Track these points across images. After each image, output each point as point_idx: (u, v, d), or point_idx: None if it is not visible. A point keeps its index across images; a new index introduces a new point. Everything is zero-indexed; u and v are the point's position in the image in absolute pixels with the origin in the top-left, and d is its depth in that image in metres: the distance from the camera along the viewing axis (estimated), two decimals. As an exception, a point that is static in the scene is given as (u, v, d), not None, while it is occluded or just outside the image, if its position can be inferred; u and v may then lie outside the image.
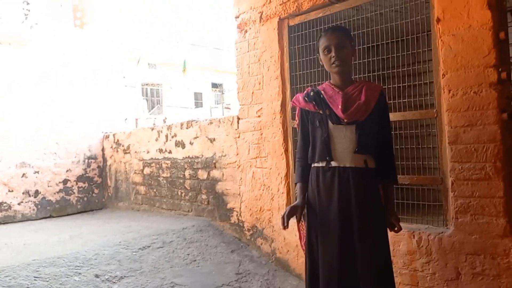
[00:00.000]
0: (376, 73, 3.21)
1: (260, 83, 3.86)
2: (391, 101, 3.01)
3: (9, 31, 5.56)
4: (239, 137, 4.08)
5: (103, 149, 6.56)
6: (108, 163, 6.44)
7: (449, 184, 2.63)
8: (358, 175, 2.15)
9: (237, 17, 4.03)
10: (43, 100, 5.95)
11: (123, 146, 6.11)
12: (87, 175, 6.46)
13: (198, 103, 23.96)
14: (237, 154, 4.11)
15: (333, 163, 2.20)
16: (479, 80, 2.49)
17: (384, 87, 3.03)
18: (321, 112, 2.27)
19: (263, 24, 3.80)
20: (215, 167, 4.42)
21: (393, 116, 2.93)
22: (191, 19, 23.52)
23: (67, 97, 6.18)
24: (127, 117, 10.79)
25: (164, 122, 15.06)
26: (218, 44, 24.39)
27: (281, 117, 3.68)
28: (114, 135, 6.32)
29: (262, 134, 3.84)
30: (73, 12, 14.15)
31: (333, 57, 2.19)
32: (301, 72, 3.60)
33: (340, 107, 2.18)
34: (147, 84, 21.61)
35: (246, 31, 3.97)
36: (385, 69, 3.22)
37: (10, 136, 5.68)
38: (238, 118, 4.08)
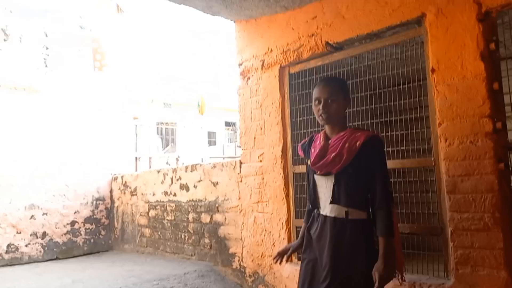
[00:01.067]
0: (377, 120, 3.22)
1: (261, 129, 3.90)
2: (391, 148, 2.99)
3: (24, 77, 5.79)
4: (241, 181, 4.09)
5: (111, 191, 6.62)
6: (116, 205, 6.48)
7: (448, 234, 2.58)
8: (337, 225, 2.16)
9: (240, 64, 4.14)
10: (54, 143, 6.09)
11: (130, 188, 6.16)
12: (94, 216, 6.50)
13: (212, 142, 24.23)
14: (239, 199, 4.11)
15: (321, 211, 2.27)
16: (474, 129, 2.49)
17: (383, 134, 3.06)
18: (307, 161, 2.37)
19: (265, 72, 3.89)
20: (218, 211, 4.42)
21: (392, 164, 2.93)
22: (205, 61, 24.11)
23: (77, 139, 6.32)
24: (141, 155, 10.93)
25: (177, 160, 15.18)
26: (232, 84, 24.84)
27: (282, 162, 3.69)
28: (122, 177, 6.39)
29: (263, 178, 3.85)
30: (93, 54, 14.63)
31: (321, 109, 2.24)
32: (301, 118, 3.64)
33: (312, 158, 2.27)
34: (162, 123, 22.01)
35: (248, 78, 4.07)
36: (387, 115, 3.24)
37: (19, 179, 5.79)
38: (241, 163, 4.11)
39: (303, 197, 3.58)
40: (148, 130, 13.88)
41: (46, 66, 8.73)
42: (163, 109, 22.01)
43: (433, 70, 2.70)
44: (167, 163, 15.04)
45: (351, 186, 2.16)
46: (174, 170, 5.23)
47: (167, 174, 5.38)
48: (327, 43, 3.37)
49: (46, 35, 9.10)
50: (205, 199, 4.64)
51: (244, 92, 4.12)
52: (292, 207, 3.63)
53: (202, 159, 13.25)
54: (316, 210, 2.30)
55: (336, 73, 3.42)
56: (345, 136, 2.22)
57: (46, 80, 6.15)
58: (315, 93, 2.29)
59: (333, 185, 2.19)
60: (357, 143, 2.16)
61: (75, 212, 6.28)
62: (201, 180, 4.73)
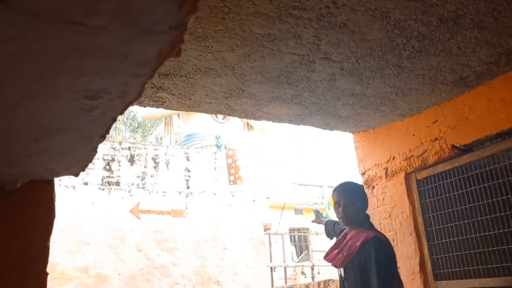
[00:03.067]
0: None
1: (394, 240, 3.67)
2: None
3: (169, 202, 6.50)
4: (378, 299, 3.78)
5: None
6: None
7: None
8: None
9: (363, 173, 4.11)
10: (195, 261, 6.45)
11: (264, 305, 6.11)
12: None
13: (346, 246, 23.27)
14: (378, 319, 3.76)
15: None
16: None
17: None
18: None
19: (389, 180, 3.78)
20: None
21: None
22: (330, 163, 24.34)
23: (216, 257, 6.62)
24: (276, 265, 10.93)
25: (312, 270, 14.79)
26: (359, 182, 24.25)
27: (421, 277, 3.36)
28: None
29: (403, 296, 3.51)
30: (228, 169, 16.05)
31: (340, 212, 2.53)
32: (437, 227, 3.36)
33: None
34: (293, 230, 22.07)
35: (373, 187, 3.98)
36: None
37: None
38: (375, 278, 3.84)
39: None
40: (280, 238, 13.99)
41: (188, 187, 9.75)
42: (294, 216, 22.25)
43: None
44: (302, 272, 14.71)
45: (353, 282, 2.34)
46: (307, 286, 5.09)
47: (300, 290, 5.26)
48: (453, 146, 3.20)
49: (188, 159, 10.33)
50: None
51: (370, 202, 4.00)
52: (440, 330, 3.19)
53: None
54: None
55: (469, 176, 3.17)
56: (353, 235, 2.45)
57: (188, 202, 6.79)
58: (335, 196, 2.61)
59: (343, 281, 2.46)
60: (357, 243, 2.37)
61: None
62: (335, 297, 4.50)
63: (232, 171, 16.52)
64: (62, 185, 5.82)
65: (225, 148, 16.61)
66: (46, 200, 1.02)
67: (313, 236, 22.26)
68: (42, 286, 0.97)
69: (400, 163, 3.66)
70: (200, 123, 17.17)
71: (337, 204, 2.56)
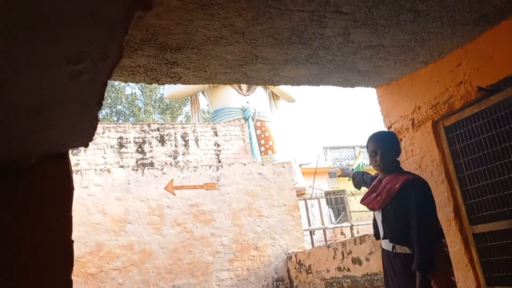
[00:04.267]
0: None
1: (426, 190, 3.64)
2: None
3: (201, 177, 6.63)
4: (415, 249, 3.80)
5: (288, 270, 6.78)
6: (294, 284, 6.58)
7: None
8: (389, 257, 2.49)
9: (389, 127, 4.05)
10: (232, 230, 6.65)
11: (305, 266, 6.24)
12: None
13: (386, 205, 23.23)
14: (417, 269, 3.78)
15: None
16: None
17: None
18: None
19: (416, 130, 3.72)
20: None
21: None
22: (359, 124, 24.06)
23: (251, 223, 6.78)
24: (315, 228, 11.08)
25: (351, 229, 14.86)
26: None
27: (456, 223, 3.34)
28: (296, 255, 6.54)
29: (439, 244, 3.51)
30: (258, 140, 16.21)
31: (378, 160, 2.55)
32: (469, 172, 3.30)
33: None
34: (329, 193, 22.15)
35: (401, 139, 3.92)
36: None
37: (208, 268, 6.35)
38: (411, 229, 3.84)
39: (493, 261, 3.13)
40: (317, 202, 14.08)
41: (219, 161, 9.90)
42: (328, 180, 22.28)
43: None
44: (341, 233, 14.82)
45: (393, 223, 2.44)
46: (343, 244, 5.15)
47: (337, 249, 5.33)
48: (479, 88, 3.11)
49: (216, 134, 10.45)
50: (381, 272, 4.40)
51: (399, 155, 3.96)
52: (480, 274, 3.19)
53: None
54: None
55: (498, 116, 3.08)
56: (390, 179, 2.51)
57: (220, 175, 6.89)
58: (370, 146, 2.64)
59: (382, 222, 2.54)
60: (396, 186, 2.43)
61: (259, 296, 6.56)
62: (372, 252, 4.54)
63: (262, 142, 16.63)
64: (98, 169, 6.05)
65: (253, 120, 16.68)
66: (62, 173, 1.08)
67: (350, 197, 22.33)
68: (70, 252, 1.04)
69: (426, 112, 3.59)
70: (226, 98, 17.22)
71: (373, 153, 2.58)
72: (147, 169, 6.26)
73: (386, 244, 2.50)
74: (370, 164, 2.74)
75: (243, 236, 6.55)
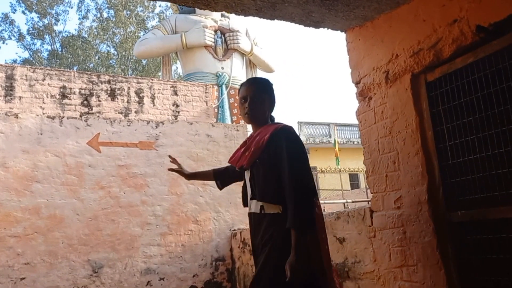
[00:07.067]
0: None
1: (395, 163, 2.85)
2: None
3: (137, 135, 5.66)
4: (374, 236, 3.04)
5: (231, 249, 5.93)
6: (237, 266, 5.79)
7: None
8: (255, 220, 2.23)
9: (357, 82, 3.22)
10: (169, 199, 5.71)
11: (249, 246, 5.45)
12: (215, 280, 5.78)
13: (354, 184, 23.10)
14: (375, 261, 3.03)
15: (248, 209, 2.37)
16: None
17: None
18: None
19: (390, 86, 2.90)
20: (349, 277, 3.37)
21: None
22: (336, 100, 23.53)
23: (192, 193, 5.86)
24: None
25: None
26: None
27: (429, 208, 2.57)
28: (241, 233, 5.69)
29: (405, 232, 2.75)
30: (230, 109, 15.38)
31: (246, 108, 2.30)
32: (453, 142, 2.51)
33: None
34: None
35: (370, 98, 3.10)
36: None
37: (135, 242, 5.45)
38: (371, 211, 3.07)
39: (472, 259, 2.38)
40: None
41: (176, 118, 8.95)
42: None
43: None
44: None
45: (262, 180, 2.17)
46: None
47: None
48: (478, 27, 2.28)
49: (176, 93, 9.47)
50: (332, 261, 3.64)
51: (365, 117, 3.14)
52: (454, 274, 2.44)
53: (345, 205, 12.21)
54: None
55: (499, 68, 2.27)
56: (260, 131, 2.28)
57: (159, 133, 5.86)
58: (241, 92, 2.37)
59: (250, 180, 2.27)
60: (266, 136, 2.19)
61: (193, 276, 5.64)
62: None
63: (235, 110, 15.69)
64: (2, 113, 4.99)
65: (227, 87, 15.68)
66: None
67: (320, 174, 21.85)
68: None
69: (405, 61, 2.76)
70: (199, 62, 16.11)
71: (243, 99, 2.33)
72: (67, 118, 5.21)
73: (254, 205, 2.22)
74: (240, 114, 2.53)
75: (181, 206, 5.60)
